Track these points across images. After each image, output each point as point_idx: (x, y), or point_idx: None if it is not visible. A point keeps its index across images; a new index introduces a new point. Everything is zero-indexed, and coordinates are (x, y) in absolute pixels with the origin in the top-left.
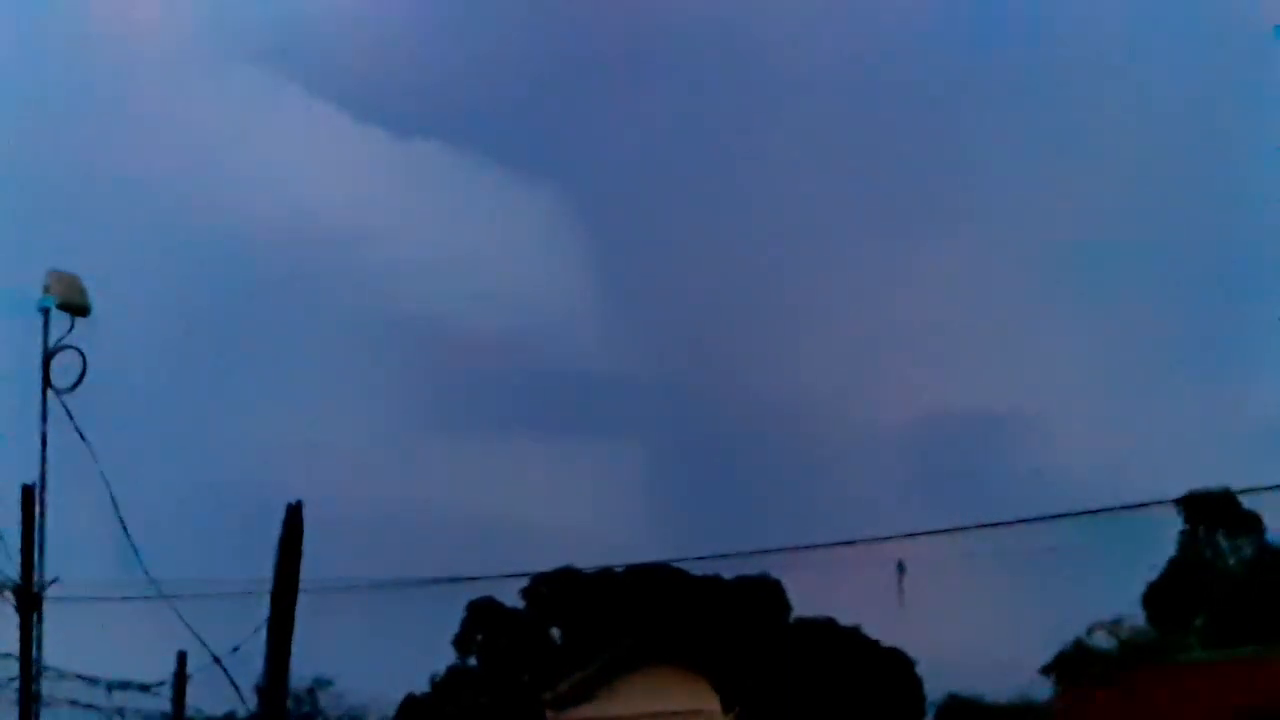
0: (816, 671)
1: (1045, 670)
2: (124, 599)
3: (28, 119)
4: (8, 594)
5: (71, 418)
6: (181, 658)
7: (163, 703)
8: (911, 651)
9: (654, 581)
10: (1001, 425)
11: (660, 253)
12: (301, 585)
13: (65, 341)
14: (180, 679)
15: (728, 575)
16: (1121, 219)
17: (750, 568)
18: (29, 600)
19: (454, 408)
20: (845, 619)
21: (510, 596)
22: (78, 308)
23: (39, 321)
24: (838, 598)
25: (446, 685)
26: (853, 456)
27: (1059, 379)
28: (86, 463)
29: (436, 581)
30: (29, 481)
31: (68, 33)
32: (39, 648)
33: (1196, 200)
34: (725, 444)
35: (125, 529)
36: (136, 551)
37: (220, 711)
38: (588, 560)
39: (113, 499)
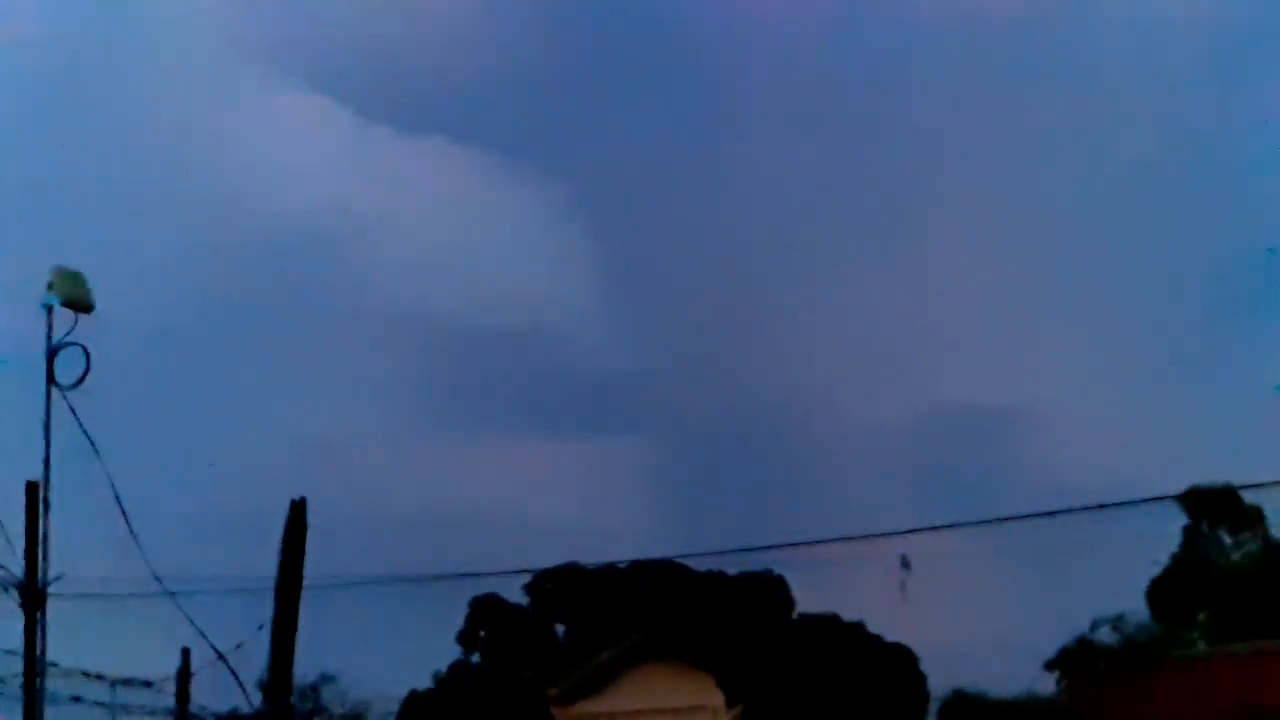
0: (820, 667)
1: (1049, 666)
2: (128, 596)
3: (29, 115)
4: (12, 591)
5: (75, 415)
6: (185, 654)
7: (167, 699)
8: (915, 647)
9: (658, 577)
10: (1005, 420)
11: (665, 249)
12: (305, 582)
13: (69, 338)
14: (184, 675)
15: (731, 571)
16: (1126, 211)
17: (754, 564)
18: (33, 597)
19: (458, 404)
20: (849, 615)
21: (514, 593)
22: (81, 304)
23: (42, 318)
24: (841, 594)
25: (450, 681)
26: (857, 452)
27: (1062, 374)
28: (90, 459)
29: (440, 578)
30: (33, 478)
31: (67, 28)
32: (43, 644)
33: (1203, 192)
34: (729, 440)
35: (129, 525)
36: (140, 548)
37: (224, 708)
38: (591, 556)
39: (116, 496)
